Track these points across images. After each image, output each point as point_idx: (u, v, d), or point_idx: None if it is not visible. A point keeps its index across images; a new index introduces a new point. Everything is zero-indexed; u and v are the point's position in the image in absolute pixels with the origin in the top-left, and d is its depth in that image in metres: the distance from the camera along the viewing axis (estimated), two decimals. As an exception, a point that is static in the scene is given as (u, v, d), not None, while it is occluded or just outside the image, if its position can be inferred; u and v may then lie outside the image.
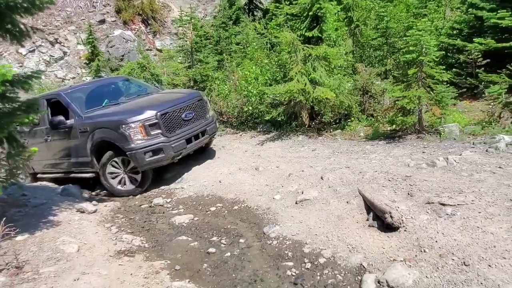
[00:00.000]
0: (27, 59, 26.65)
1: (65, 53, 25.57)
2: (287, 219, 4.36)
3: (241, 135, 9.43)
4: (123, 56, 24.24)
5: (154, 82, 13.96)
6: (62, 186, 6.72)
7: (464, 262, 2.74)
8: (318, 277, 3.12)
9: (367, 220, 3.85)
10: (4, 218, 3.78)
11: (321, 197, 4.65)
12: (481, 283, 2.52)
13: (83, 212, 5.33)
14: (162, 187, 6.72)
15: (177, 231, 4.55)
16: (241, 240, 4.04)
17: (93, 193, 7.19)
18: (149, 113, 5.98)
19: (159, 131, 6.00)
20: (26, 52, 26.64)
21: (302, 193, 4.88)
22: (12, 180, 4.49)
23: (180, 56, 12.66)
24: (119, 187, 6.44)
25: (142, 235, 4.47)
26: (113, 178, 6.41)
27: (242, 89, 9.09)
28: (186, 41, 12.09)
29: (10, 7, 4.40)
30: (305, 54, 8.00)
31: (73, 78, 22.78)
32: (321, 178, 5.19)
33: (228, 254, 3.74)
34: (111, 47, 26.17)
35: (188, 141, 6.39)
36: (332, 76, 8.10)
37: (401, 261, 2.99)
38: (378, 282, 2.85)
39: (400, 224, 3.41)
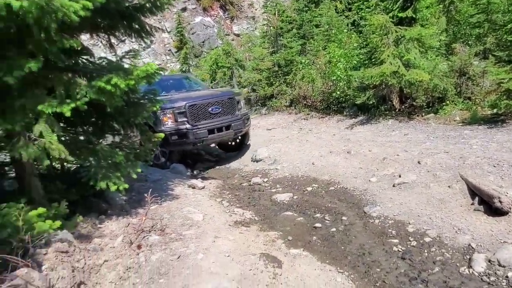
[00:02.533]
0: (119, 49, 29.22)
1: (151, 41, 27.55)
2: (387, 201, 4.56)
3: (327, 119, 9.64)
4: (203, 42, 25.52)
5: (238, 68, 14.68)
6: (171, 165, 7.63)
7: None
8: (426, 254, 3.33)
9: (472, 204, 3.91)
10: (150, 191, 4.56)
11: (420, 181, 4.76)
12: None
13: (194, 187, 6.07)
14: (257, 168, 7.29)
15: (280, 207, 5.01)
16: (343, 218, 4.36)
17: (195, 171, 8.04)
18: (180, 103, 7.01)
19: (186, 119, 6.99)
20: (117, 42, 29.23)
21: (400, 176, 5.02)
22: (145, 160, 5.32)
23: (264, 41, 13.08)
24: (155, 161, 7.31)
25: (250, 209, 5.01)
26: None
27: (330, 73, 9.22)
28: (270, 26, 12.45)
29: (137, 9, 5.06)
30: (397, 36, 7.88)
31: (159, 64, 24.60)
32: (418, 162, 5.26)
33: (334, 229, 4.09)
34: (192, 33, 27.70)
35: (210, 131, 7.19)
36: (425, 57, 7.88)
37: (514, 244, 3.07)
38: (489, 261, 2.98)
39: (510, 209, 3.44)
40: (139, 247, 3.44)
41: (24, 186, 4.08)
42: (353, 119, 9.00)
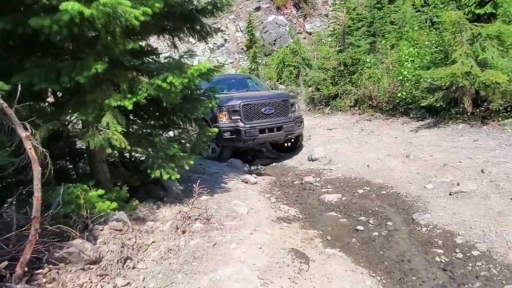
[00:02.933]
0: (196, 47, 30.99)
1: (225, 40, 28.73)
2: (439, 209, 4.32)
3: (391, 121, 9.26)
4: (275, 41, 25.81)
5: (305, 66, 14.66)
6: (229, 159, 7.98)
7: None
8: (470, 268, 3.13)
9: (535, 220, 3.56)
10: (197, 181, 4.90)
11: (479, 191, 4.42)
12: None
13: (246, 182, 6.30)
14: (311, 167, 7.30)
15: (326, 207, 5.01)
16: (388, 223, 4.24)
17: (252, 167, 8.30)
18: (235, 102, 7.46)
19: (239, 117, 7.35)
20: (195, 41, 30.94)
21: (458, 184, 4.72)
22: (199, 152, 5.69)
23: (331, 40, 12.89)
24: (211, 154, 7.96)
25: (296, 207, 5.09)
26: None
27: (396, 73, 8.82)
28: (338, 24, 12.23)
29: (199, 11, 5.38)
30: (473, 34, 7.29)
31: (231, 62, 25.49)
32: (482, 171, 4.88)
33: (376, 233, 4.01)
34: (264, 32, 28.25)
35: (262, 131, 7.45)
36: (506, 57, 7.17)
37: None
38: (541, 283, 2.73)
39: None
40: (183, 232, 3.74)
41: (93, 171, 4.64)
42: (420, 121, 8.51)
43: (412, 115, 9.03)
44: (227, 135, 7.41)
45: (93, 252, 2.76)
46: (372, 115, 10.04)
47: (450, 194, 4.62)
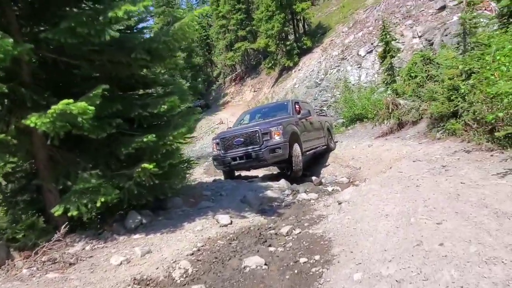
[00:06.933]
0: (365, 60, 29.06)
1: (398, 49, 25.89)
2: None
3: (491, 155, 6.25)
4: (458, 44, 21.50)
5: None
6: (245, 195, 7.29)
7: None
8: None
9: None
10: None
11: None
12: None
13: (218, 223, 5.60)
14: (323, 213, 5.79)
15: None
16: None
17: (287, 193, 7.43)
18: (217, 136, 9.43)
19: (219, 147, 9.02)
20: (364, 53, 29.07)
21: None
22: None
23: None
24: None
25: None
26: None
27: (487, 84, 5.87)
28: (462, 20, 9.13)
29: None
30: None
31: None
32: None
33: None
34: (445, 35, 24.40)
35: (233, 159, 8.63)
36: None
37: None
38: None
39: None
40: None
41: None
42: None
43: (530, 148, 5.79)
44: (214, 162, 9.25)
45: None
46: (479, 145, 6.98)
47: None
